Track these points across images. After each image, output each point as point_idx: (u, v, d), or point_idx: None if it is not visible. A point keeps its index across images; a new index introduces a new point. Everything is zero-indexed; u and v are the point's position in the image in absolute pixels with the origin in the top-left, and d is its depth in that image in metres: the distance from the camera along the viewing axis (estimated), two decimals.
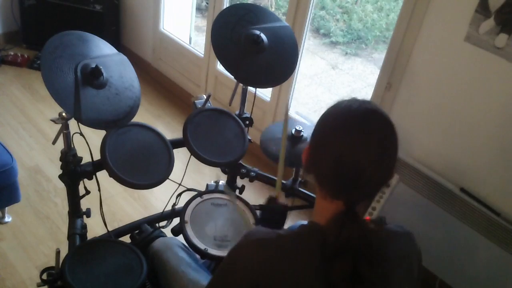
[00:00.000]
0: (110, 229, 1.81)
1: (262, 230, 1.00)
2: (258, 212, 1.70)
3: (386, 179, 0.95)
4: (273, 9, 5.33)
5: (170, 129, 3.17)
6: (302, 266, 0.93)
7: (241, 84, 1.97)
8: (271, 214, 1.54)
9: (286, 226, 2.09)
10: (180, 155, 1.85)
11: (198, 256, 1.61)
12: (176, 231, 1.69)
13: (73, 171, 1.59)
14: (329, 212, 0.96)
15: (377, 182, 0.95)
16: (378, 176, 0.93)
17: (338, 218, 0.94)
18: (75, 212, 1.70)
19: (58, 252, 1.44)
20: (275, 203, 1.52)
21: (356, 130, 0.92)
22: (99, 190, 1.65)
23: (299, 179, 2.12)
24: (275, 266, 0.93)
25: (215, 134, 1.85)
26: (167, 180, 1.67)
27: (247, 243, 0.98)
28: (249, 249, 0.97)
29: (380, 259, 0.94)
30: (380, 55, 5.01)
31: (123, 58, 1.65)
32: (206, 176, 2.72)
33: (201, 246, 1.56)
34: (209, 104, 1.92)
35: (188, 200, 1.72)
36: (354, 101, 0.97)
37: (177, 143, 1.80)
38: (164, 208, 1.95)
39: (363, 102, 0.96)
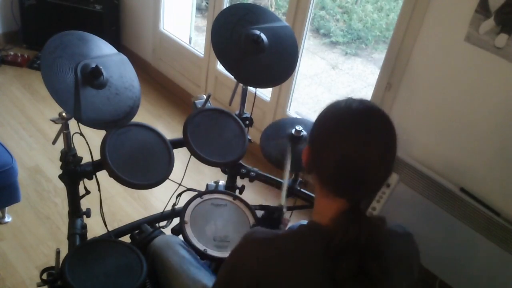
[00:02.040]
0: (110, 229, 1.81)
1: (261, 230, 1.01)
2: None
3: (388, 175, 0.97)
4: (273, 9, 5.32)
5: (170, 129, 3.16)
6: (303, 266, 0.94)
7: (241, 84, 1.97)
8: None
9: (286, 227, 2.10)
10: (180, 155, 1.85)
11: None
12: (176, 231, 1.70)
13: (73, 171, 1.59)
14: (331, 211, 0.97)
15: (380, 179, 0.96)
16: (381, 173, 0.95)
17: (343, 216, 0.94)
18: (75, 212, 1.70)
19: (58, 252, 1.44)
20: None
21: (359, 129, 0.93)
22: (99, 190, 1.65)
23: (299, 179, 2.12)
24: (275, 265, 0.94)
25: (215, 134, 1.85)
26: (167, 180, 1.67)
27: (246, 243, 1.00)
28: (248, 249, 0.99)
29: (384, 255, 0.94)
30: (380, 55, 5.01)
31: (123, 58, 1.65)
32: (206, 176, 2.72)
33: (201, 247, 1.56)
34: (209, 104, 1.92)
35: (188, 200, 1.72)
36: (352, 100, 0.98)
37: (177, 143, 1.80)
38: (164, 208, 1.95)
39: (362, 101, 0.98)
